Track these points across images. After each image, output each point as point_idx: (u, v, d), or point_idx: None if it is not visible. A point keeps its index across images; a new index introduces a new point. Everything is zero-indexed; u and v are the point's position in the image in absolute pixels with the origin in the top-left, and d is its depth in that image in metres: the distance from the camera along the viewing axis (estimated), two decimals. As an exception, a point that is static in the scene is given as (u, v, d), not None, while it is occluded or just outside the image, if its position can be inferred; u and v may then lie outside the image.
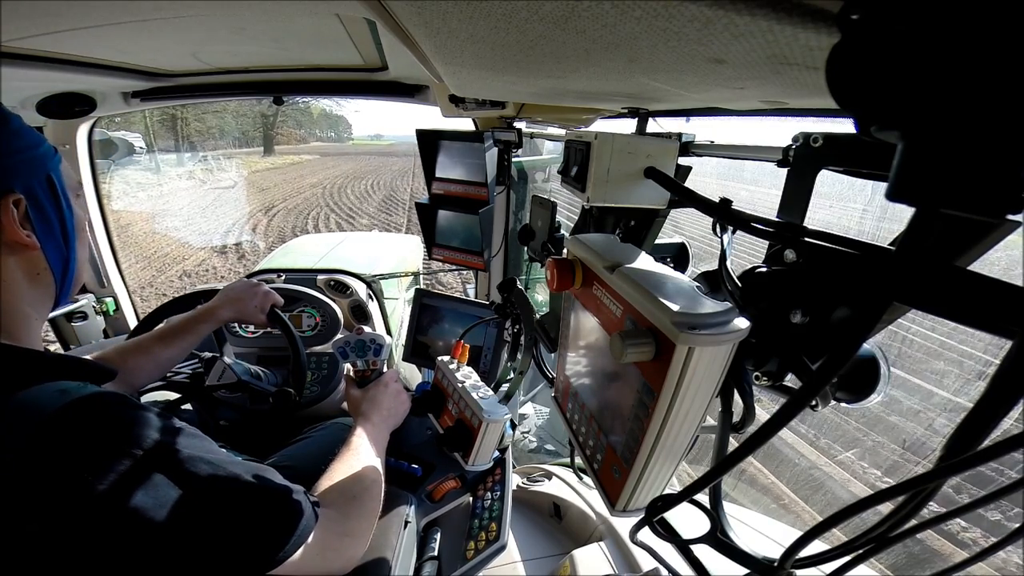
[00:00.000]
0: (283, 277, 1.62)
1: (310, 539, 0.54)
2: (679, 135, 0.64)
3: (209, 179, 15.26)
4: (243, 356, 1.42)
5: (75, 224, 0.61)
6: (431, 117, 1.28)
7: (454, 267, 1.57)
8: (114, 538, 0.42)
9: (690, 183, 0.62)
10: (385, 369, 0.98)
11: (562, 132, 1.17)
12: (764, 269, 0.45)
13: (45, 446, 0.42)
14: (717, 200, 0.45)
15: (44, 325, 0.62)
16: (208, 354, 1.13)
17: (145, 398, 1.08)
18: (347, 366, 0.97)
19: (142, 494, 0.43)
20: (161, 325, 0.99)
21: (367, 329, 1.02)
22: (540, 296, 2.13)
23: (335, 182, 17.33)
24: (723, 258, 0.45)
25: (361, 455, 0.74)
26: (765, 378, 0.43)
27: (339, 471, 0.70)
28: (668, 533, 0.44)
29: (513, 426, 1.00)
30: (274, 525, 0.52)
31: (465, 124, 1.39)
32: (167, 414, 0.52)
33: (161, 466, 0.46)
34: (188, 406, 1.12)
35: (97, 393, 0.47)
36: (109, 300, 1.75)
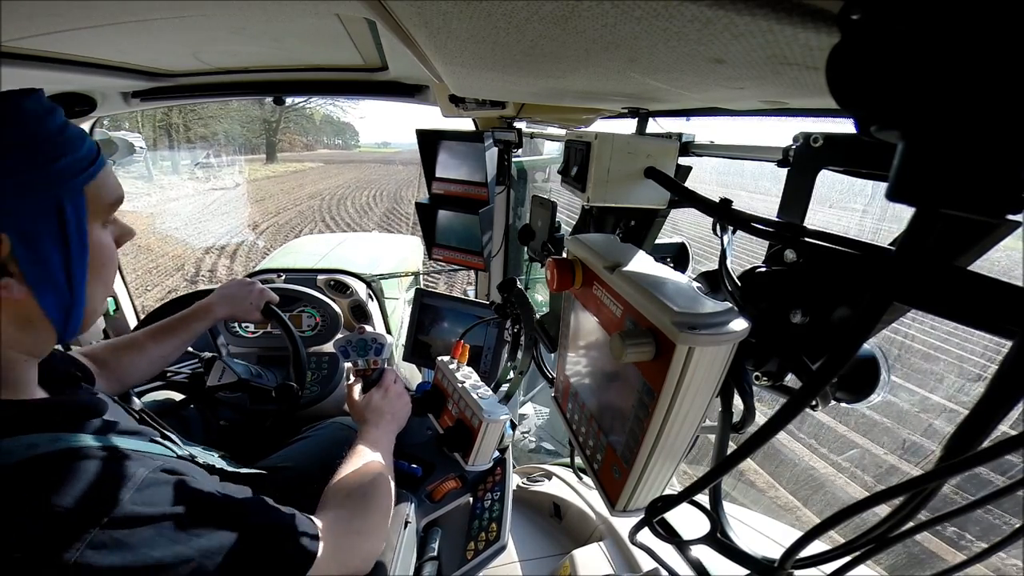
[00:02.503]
0: (283, 277, 1.62)
1: (324, 546, 0.54)
2: (679, 135, 0.64)
3: (201, 189, 14.41)
4: (243, 356, 1.42)
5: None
6: (437, 121, 1.29)
7: (454, 267, 1.57)
8: None
9: (690, 183, 0.62)
10: (386, 367, 0.98)
11: (562, 132, 1.18)
12: (764, 269, 0.45)
13: (9, 509, 0.39)
14: (717, 200, 0.45)
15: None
16: (208, 354, 1.13)
17: (145, 399, 1.08)
18: (348, 365, 0.97)
19: (118, 556, 0.40)
20: (155, 323, 0.99)
21: (368, 328, 1.02)
22: (540, 296, 2.13)
23: (335, 193, 16.32)
24: (723, 258, 0.45)
25: (368, 457, 0.75)
26: (765, 378, 0.43)
27: (347, 474, 0.70)
28: (668, 534, 0.44)
29: (513, 426, 0.99)
30: (276, 563, 0.50)
31: (465, 124, 1.39)
32: (141, 459, 0.47)
33: (134, 527, 0.42)
34: (181, 399, 1.12)
35: (66, 450, 0.43)
36: (109, 300, 1.75)
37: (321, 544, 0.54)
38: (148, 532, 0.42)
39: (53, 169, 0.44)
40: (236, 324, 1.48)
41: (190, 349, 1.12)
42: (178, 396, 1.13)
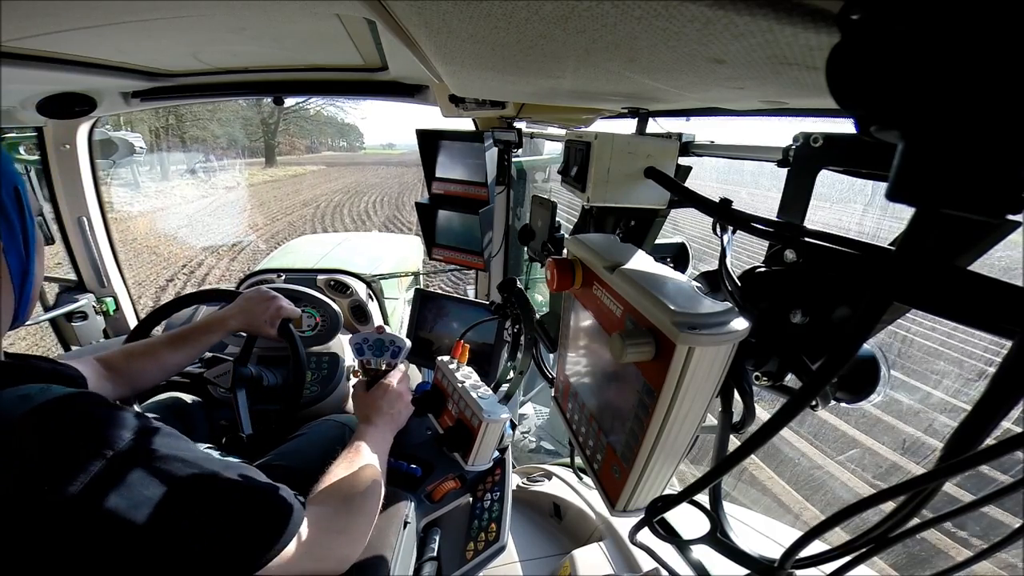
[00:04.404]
0: (283, 277, 1.62)
1: (300, 537, 0.54)
2: (679, 135, 0.64)
3: (190, 196, 13.39)
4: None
5: (35, 242, 0.60)
6: (437, 122, 1.29)
7: (454, 267, 1.57)
8: (91, 543, 0.41)
9: (690, 183, 0.62)
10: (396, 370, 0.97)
11: (562, 132, 1.17)
12: (764, 269, 0.45)
13: (11, 454, 0.41)
14: (717, 200, 0.45)
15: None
16: (208, 354, 1.13)
17: (151, 401, 1.09)
18: (351, 364, 0.97)
19: (116, 496, 0.42)
20: (171, 330, 1.00)
21: (388, 329, 1.01)
22: (540, 296, 2.13)
23: (332, 199, 15.08)
24: (723, 258, 0.45)
25: (361, 457, 0.74)
26: (765, 378, 0.43)
27: (337, 472, 0.70)
28: (668, 533, 0.44)
29: (513, 426, 0.99)
30: (258, 524, 0.51)
31: (465, 124, 1.39)
32: (141, 414, 0.51)
33: (136, 466, 0.45)
34: (189, 398, 1.13)
35: (65, 395, 0.46)
36: (109, 300, 1.75)
37: (304, 530, 0.54)
38: (145, 473, 0.45)
39: (10, 167, 0.58)
40: None
41: None
42: (185, 396, 1.13)
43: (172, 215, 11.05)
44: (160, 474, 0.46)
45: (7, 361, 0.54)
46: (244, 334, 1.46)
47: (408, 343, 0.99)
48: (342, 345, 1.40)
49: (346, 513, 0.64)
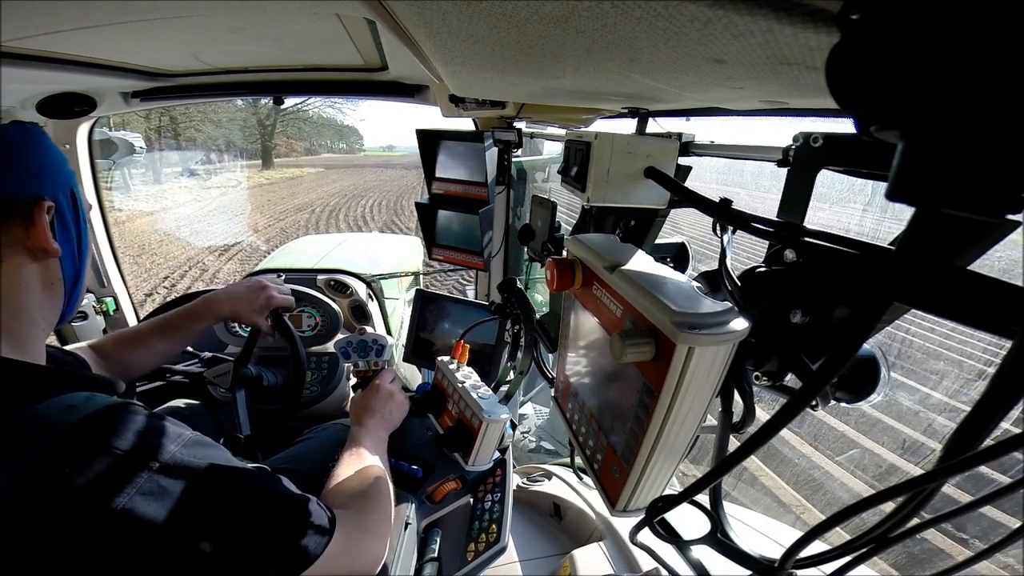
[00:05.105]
0: (283, 277, 1.61)
1: (331, 544, 0.54)
2: (679, 135, 0.64)
3: (181, 201, 12.94)
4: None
5: (87, 246, 0.63)
6: (437, 122, 1.29)
7: (454, 267, 1.57)
8: (137, 552, 0.42)
9: (690, 183, 0.62)
10: (385, 368, 0.98)
11: (562, 132, 1.17)
12: (764, 269, 0.45)
13: (59, 464, 0.41)
14: (717, 200, 0.45)
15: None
16: (208, 354, 1.13)
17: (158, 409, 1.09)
18: (348, 365, 0.98)
19: (160, 507, 0.43)
20: (159, 317, 0.97)
21: (369, 329, 1.02)
22: (540, 296, 2.13)
23: (328, 203, 14.54)
24: (723, 258, 0.45)
25: (362, 457, 0.75)
26: (765, 378, 0.43)
27: (343, 474, 0.70)
28: (668, 534, 0.44)
29: (513, 426, 0.99)
30: (295, 535, 0.52)
31: (465, 124, 1.39)
32: (179, 422, 0.51)
33: (180, 477, 0.46)
34: (186, 402, 1.12)
35: (108, 406, 0.47)
36: (109, 300, 1.75)
37: (334, 534, 0.55)
38: (190, 485, 0.46)
39: (66, 168, 0.60)
40: (236, 324, 1.47)
41: (189, 349, 1.12)
42: (182, 401, 1.13)
43: (158, 221, 10.55)
44: (203, 485, 0.47)
45: (50, 367, 0.55)
46: (245, 334, 1.47)
47: (389, 340, 0.99)
48: (342, 345, 1.40)
49: (366, 511, 0.65)
